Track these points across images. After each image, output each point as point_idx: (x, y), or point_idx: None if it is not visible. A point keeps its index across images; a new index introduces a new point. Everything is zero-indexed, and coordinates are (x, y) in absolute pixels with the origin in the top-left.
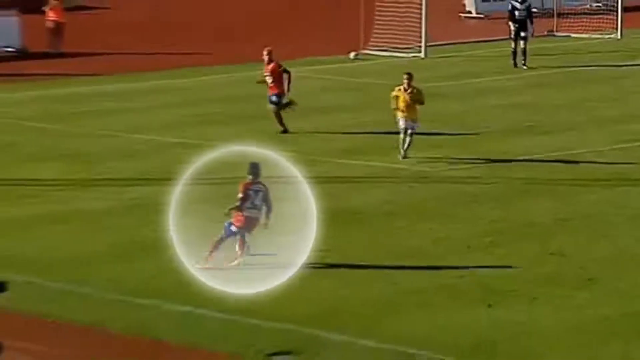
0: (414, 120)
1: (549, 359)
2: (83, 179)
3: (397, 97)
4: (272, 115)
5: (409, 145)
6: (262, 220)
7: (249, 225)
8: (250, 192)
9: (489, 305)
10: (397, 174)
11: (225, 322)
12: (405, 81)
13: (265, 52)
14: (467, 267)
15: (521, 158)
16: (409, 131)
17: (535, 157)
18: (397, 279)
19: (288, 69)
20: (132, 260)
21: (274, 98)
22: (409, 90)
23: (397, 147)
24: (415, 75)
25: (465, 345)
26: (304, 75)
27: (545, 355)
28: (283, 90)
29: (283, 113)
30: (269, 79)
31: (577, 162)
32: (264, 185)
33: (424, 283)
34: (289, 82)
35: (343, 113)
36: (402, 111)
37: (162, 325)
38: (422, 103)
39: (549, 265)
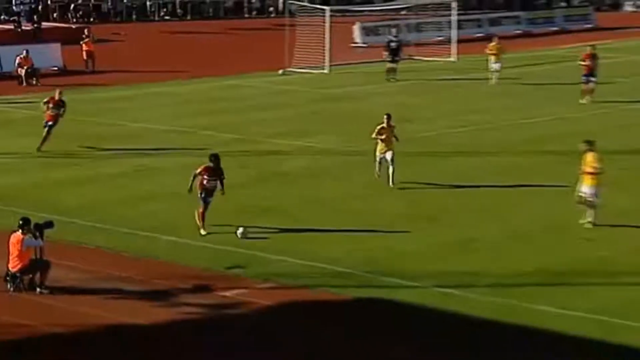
0: (392, 150)
1: (414, 266)
2: (106, 153)
3: (381, 131)
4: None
5: (393, 172)
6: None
7: (209, 192)
8: (208, 170)
9: (375, 232)
10: (312, 150)
11: (199, 248)
12: (386, 119)
13: (58, 91)
14: (359, 211)
15: (403, 138)
16: (389, 158)
17: (405, 137)
18: (313, 219)
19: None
20: (138, 206)
21: (50, 124)
22: (391, 126)
23: (375, 173)
24: (322, 84)
25: (359, 262)
26: (251, 85)
27: (413, 265)
28: (56, 120)
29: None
30: (51, 109)
31: (431, 141)
32: (219, 168)
33: (331, 221)
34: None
35: (276, 109)
36: (385, 142)
37: (158, 249)
38: (397, 138)
39: (410, 209)
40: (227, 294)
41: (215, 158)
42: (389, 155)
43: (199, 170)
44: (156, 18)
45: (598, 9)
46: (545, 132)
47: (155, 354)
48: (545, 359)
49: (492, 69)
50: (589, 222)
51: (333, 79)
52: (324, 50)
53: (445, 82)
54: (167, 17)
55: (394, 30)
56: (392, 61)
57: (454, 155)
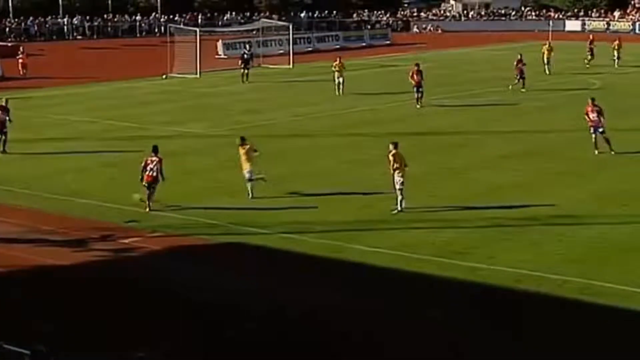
0: (252, 169)
1: (263, 219)
2: (35, 138)
3: (240, 152)
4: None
5: (253, 186)
6: (159, 177)
7: (153, 181)
8: (149, 162)
9: (233, 193)
10: (190, 134)
11: (104, 208)
12: (239, 141)
13: (4, 99)
14: (221, 178)
15: (253, 125)
16: (252, 177)
17: (257, 124)
18: (188, 185)
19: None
20: (58, 178)
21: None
22: (245, 147)
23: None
24: (194, 85)
25: (224, 216)
26: (142, 86)
27: (262, 218)
28: (4, 124)
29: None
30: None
31: (272, 127)
32: (158, 158)
33: (201, 186)
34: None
35: (161, 104)
36: (246, 161)
37: (74, 209)
38: (256, 151)
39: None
40: (126, 241)
41: (155, 148)
42: (251, 172)
43: (143, 163)
44: (71, 38)
45: (394, 30)
46: (358, 119)
47: (74, 286)
48: (363, 285)
49: (336, 82)
50: (397, 208)
51: (203, 81)
52: (195, 60)
53: (284, 83)
54: (79, 37)
55: (247, 46)
56: (245, 68)
57: (289, 138)
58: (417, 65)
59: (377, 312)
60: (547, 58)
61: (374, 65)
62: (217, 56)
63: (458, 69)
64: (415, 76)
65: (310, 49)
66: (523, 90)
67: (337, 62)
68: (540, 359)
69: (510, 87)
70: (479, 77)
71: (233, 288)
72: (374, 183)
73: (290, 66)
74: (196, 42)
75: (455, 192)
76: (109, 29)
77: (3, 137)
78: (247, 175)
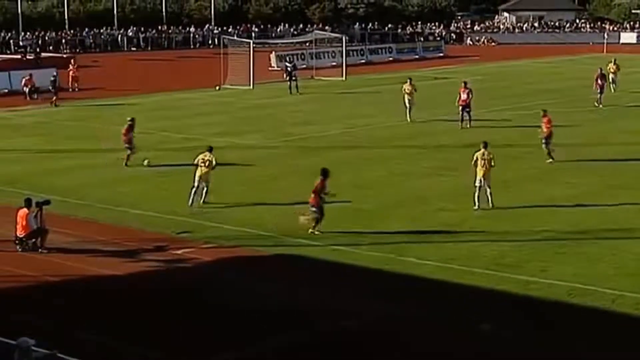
0: (207, 181)
1: None
2: (90, 149)
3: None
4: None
5: (206, 194)
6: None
7: (318, 203)
8: (323, 184)
9: (286, 202)
10: (243, 145)
11: (157, 218)
12: (201, 155)
13: (128, 119)
14: (276, 188)
15: (306, 136)
16: (202, 186)
17: (310, 136)
18: (243, 195)
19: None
20: (112, 188)
21: (128, 144)
22: (206, 162)
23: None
24: (247, 97)
25: (276, 227)
26: (195, 97)
27: None
28: (131, 140)
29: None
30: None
31: (324, 139)
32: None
33: (255, 197)
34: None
35: (215, 115)
36: (200, 170)
37: (128, 220)
38: (214, 168)
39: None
40: (179, 252)
41: (325, 171)
42: (203, 184)
43: (318, 185)
44: (125, 49)
45: (447, 42)
46: (410, 131)
47: (127, 296)
48: (411, 296)
49: (407, 107)
50: (481, 206)
51: (256, 93)
52: (249, 71)
53: (337, 95)
54: (133, 48)
55: (288, 58)
56: (290, 80)
57: (345, 149)
58: (465, 83)
59: (423, 324)
60: (613, 76)
61: (427, 78)
62: (270, 68)
63: (511, 81)
64: (462, 95)
65: (363, 61)
66: (601, 106)
67: (408, 84)
68: None
69: (595, 104)
70: (532, 89)
71: (280, 299)
72: (425, 195)
73: (343, 78)
74: (249, 53)
75: (507, 204)
76: (163, 40)
77: (130, 151)
78: (196, 184)
